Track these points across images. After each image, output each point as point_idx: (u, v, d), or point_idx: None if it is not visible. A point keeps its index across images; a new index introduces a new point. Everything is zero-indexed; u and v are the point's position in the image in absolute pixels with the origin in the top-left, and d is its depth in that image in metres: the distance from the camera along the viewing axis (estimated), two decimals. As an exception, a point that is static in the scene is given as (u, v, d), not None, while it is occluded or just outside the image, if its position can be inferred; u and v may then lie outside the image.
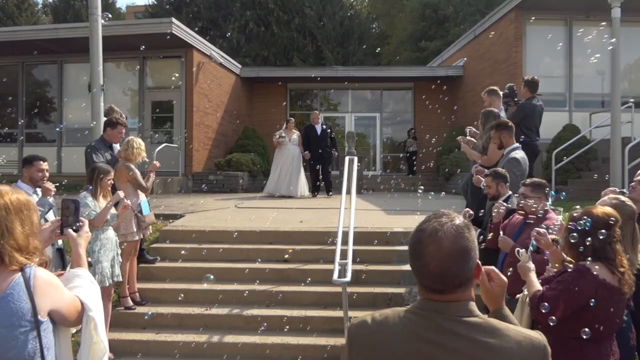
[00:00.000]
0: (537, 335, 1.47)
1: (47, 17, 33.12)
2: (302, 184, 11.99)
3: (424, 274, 1.46)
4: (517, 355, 1.39)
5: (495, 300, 1.69)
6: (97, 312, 2.06)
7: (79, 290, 2.05)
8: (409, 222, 7.20)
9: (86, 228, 2.24)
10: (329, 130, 12.02)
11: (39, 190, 4.88)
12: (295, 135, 11.96)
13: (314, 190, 12.03)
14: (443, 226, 1.45)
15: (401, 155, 18.56)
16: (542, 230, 3.14)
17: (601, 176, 8.82)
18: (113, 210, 5.06)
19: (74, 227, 2.20)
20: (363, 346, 1.49)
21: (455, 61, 17.47)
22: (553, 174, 10.44)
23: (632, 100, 12.42)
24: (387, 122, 19.01)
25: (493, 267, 1.73)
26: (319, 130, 11.90)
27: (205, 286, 5.90)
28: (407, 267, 6.14)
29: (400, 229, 6.86)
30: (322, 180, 12.02)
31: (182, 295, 5.71)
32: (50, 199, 4.88)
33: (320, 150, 11.72)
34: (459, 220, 1.49)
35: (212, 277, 4.82)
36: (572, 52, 12.80)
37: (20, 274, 1.85)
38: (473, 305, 1.46)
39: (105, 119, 6.74)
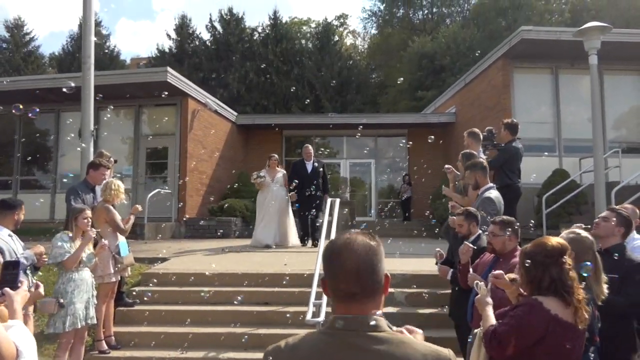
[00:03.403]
0: (445, 351, 1.48)
1: (52, 70, 34.01)
2: (292, 231, 10.36)
3: (340, 275, 1.49)
4: None
5: None
6: None
7: (14, 337, 2.06)
8: (394, 266, 7.13)
9: (24, 287, 2.38)
10: (321, 169, 10.19)
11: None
12: (280, 174, 10.19)
13: (303, 237, 10.44)
14: (354, 238, 1.53)
15: (395, 200, 18.58)
16: (497, 272, 3.13)
17: (591, 220, 8.76)
18: (90, 250, 5.06)
19: (12, 287, 2.33)
20: None
21: (447, 108, 17.78)
22: (544, 218, 10.43)
23: (624, 144, 12.65)
24: (382, 168, 19.15)
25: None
26: (309, 168, 10.06)
27: (183, 329, 5.82)
28: (386, 310, 6.06)
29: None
30: (310, 227, 10.16)
31: (160, 338, 5.62)
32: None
33: (307, 193, 9.59)
34: (368, 238, 1.55)
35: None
36: (559, 98, 13.03)
37: None
38: (381, 320, 1.48)
39: (92, 162, 6.82)
